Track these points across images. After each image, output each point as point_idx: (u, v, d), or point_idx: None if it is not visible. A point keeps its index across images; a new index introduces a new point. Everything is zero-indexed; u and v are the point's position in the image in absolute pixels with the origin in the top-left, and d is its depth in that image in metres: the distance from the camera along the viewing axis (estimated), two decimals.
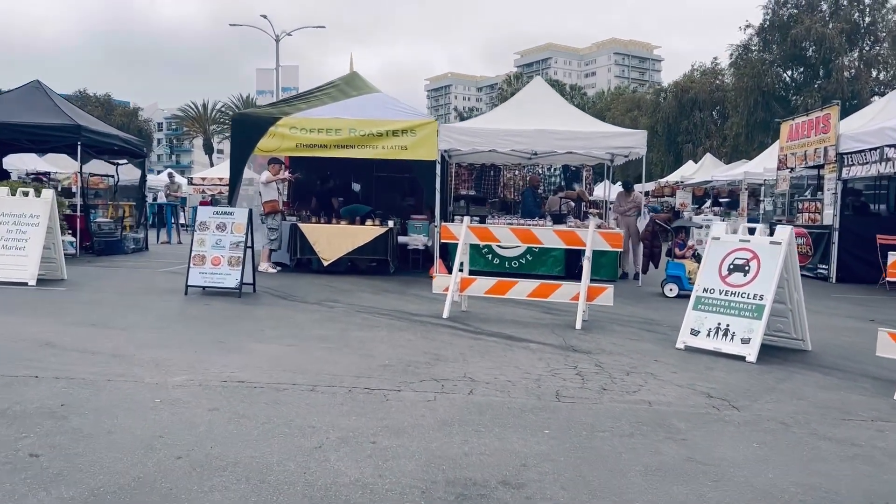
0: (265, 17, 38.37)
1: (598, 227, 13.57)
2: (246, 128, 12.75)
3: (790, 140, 16.66)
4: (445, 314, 8.47)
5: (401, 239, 13.70)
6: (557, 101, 13.65)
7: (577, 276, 13.56)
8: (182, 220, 22.83)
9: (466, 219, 8.73)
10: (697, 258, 11.24)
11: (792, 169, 16.54)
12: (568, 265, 13.25)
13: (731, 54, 36.94)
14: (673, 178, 33.10)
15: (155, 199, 25.21)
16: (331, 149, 12.79)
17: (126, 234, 16.86)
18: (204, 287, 9.63)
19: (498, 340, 7.27)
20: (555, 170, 19.54)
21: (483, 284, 8.68)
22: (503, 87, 77.97)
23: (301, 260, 13.15)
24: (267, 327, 7.55)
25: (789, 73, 35.70)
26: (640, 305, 10.22)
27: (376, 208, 14.59)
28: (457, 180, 18.39)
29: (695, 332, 7.06)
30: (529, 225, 11.34)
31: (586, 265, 8.39)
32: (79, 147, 14.52)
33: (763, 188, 22.57)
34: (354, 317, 8.36)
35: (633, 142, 12.52)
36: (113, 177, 18.01)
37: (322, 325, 7.79)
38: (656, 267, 11.46)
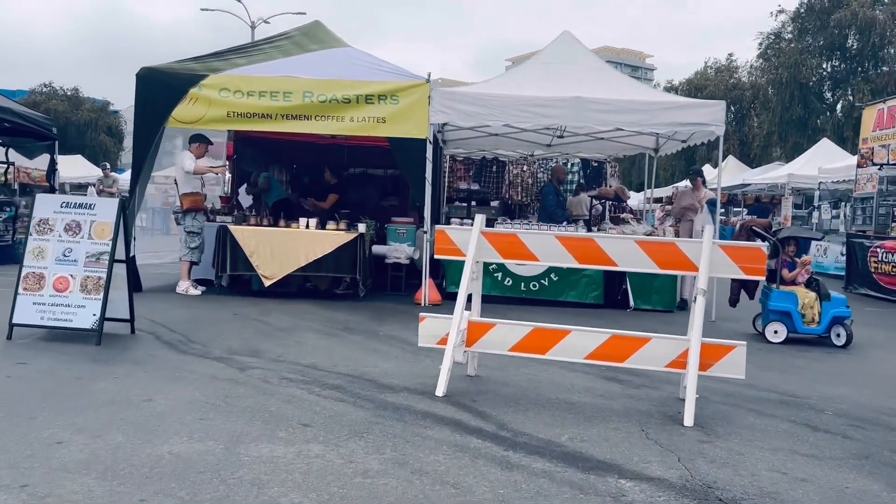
0: (240, 0, 34.59)
1: (649, 234, 9.86)
2: (155, 89, 8.91)
3: (879, 129, 13.02)
4: (441, 390, 4.70)
5: (377, 249, 9.90)
6: (595, 62, 9.95)
7: (619, 304, 9.66)
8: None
9: (480, 218, 4.98)
10: (814, 285, 7.52)
11: (881, 166, 12.90)
12: (608, 288, 9.51)
13: (761, 43, 33.31)
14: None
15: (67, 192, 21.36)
16: (276, 120, 8.99)
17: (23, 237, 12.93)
18: (41, 326, 5.79)
19: (553, 468, 3.49)
20: (572, 165, 15.85)
21: (505, 335, 4.91)
22: None
23: (239, 277, 9.33)
24: (81, 433, 3.74)
25: (829, 63, 32.04)
26: (751, 362, 6.44)
27: (345, 207, 10.79)
28: (450, 177, 14.65)
29: None
30: (578, 233, 7.59)
31: (699, 304, 4.61)
32: None
33: (818, 192, 18.93)
34: (272, 395, 4.55)
35: (707, 115, 8.79)
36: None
37: (200, 424, 3.98)
38: (751, 297, 7.83)
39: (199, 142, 9.32)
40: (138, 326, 6.51)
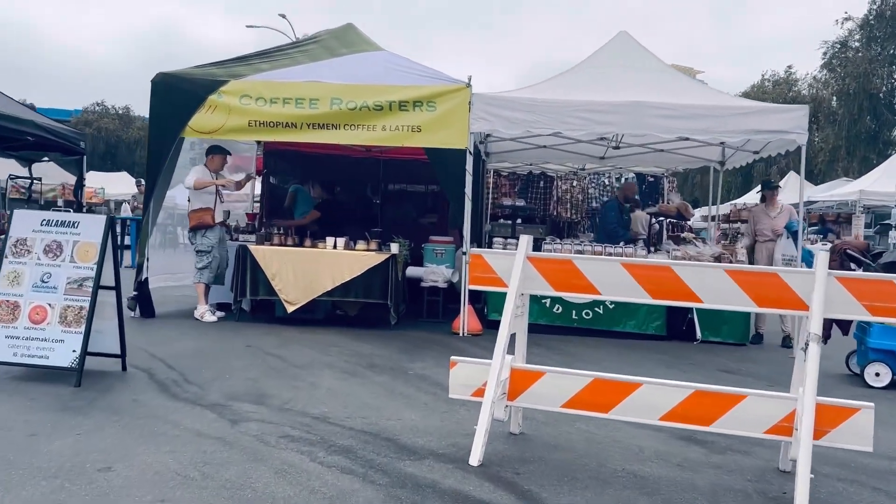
0: (283, 16, 34.39)
1: (717, 258, 8.75)
2: (172, 96, 8.17)
3: None
4: (476, 458, 3.72)
5: (413, 271, 8.99)
6: (656, 64, 8.91)
7: (684, 336, 8.34)
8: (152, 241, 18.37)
9: (525, 240, 4.01)
10: None
11: None
12: (671, 318, 8.40)
13: (825, 53, 31.59)
14: (752, 199, 27.98)
15: (112, 211, 20.99)
16: (302, 130, 8.15)
17: None
18: (13, 364, 4.98)
19: None
20: (625, 180, 14.74)
21: (558, 386, 3.90)
22: None
23: (262, 301, 8.49)
24: None
25: None
26: None
27: (380, 225, 9.90)
28: (494, 193, 13.69)
29: None
30: (651, 261, 6.57)
31: (811, 354, 3.54)
32: None
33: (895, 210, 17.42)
34: (264, 463, 3.62)
35: (787, 122, 7.67)
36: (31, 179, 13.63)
37: None
38: (844, 332, 6.68)
39: (215, 154, 8.54)
40: (134, 361, 5.69)
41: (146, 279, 8.35)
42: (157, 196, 8.47)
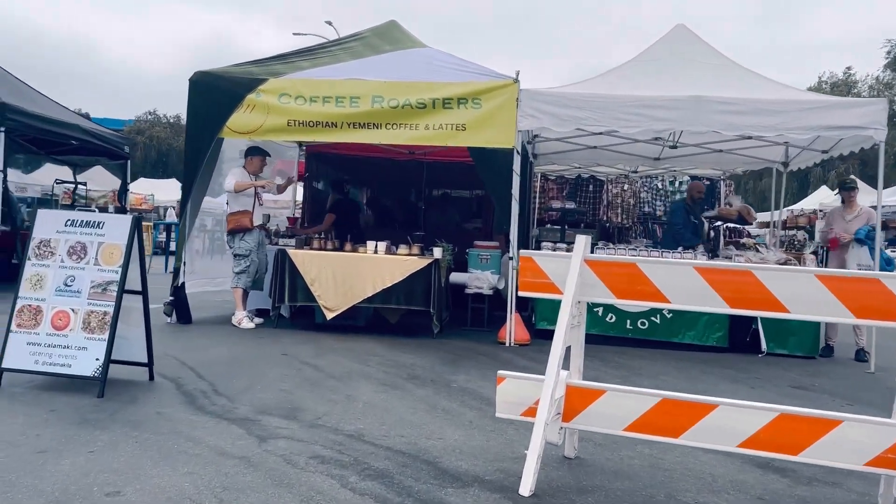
0: (330, 23, 34.40)
1: (784, 265, 8.13)
2: (210, 96, 7.93)
3: None
4: (528, 487, 3.28)
5: (457, 277, 8.58)
6: (717, 59, 8.34)
7: (747, 348, 7.68)
8: (197, 246, 18.36)
9: (583, 240, 3.56)
10: None
11: None
12: (734, 328, 7.83)
13: (889, 52, 30.17)
14: (808, 205, 26.89)
15: (161, 217, 21.08)
16: (342, 129, 7.84)
17: None
18: (34, 372, 4.72)
19: None
20: (679, 184, 14.14)
21: (620, 406, 3.45)
22: None
23: (300, 307, 8.18)
24: None
25: None
26: None
27: (418, 230, 9.53)
28: (541, 198, 13.23)
29: None
30: (728, 264, 6.07)
31: None
32: (1, 135, 10.09)
33: None
34: (290, 489, 3.24)
35: (862, 117, 7.05)
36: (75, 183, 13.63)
37: None
38: None
39: (254, 155, 8.27)
40: (163, 369, 5.40)
41: (183, 284, 8.11)
42: (195, 199, 8.23)
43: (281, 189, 8.91)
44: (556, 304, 3.60)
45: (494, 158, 7.85)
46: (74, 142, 11.84)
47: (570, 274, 3.54)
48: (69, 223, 4.86)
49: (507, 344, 7.45)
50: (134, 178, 40.90)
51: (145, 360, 5.07)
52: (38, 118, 10.71)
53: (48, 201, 18.80)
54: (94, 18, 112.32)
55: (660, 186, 13.96)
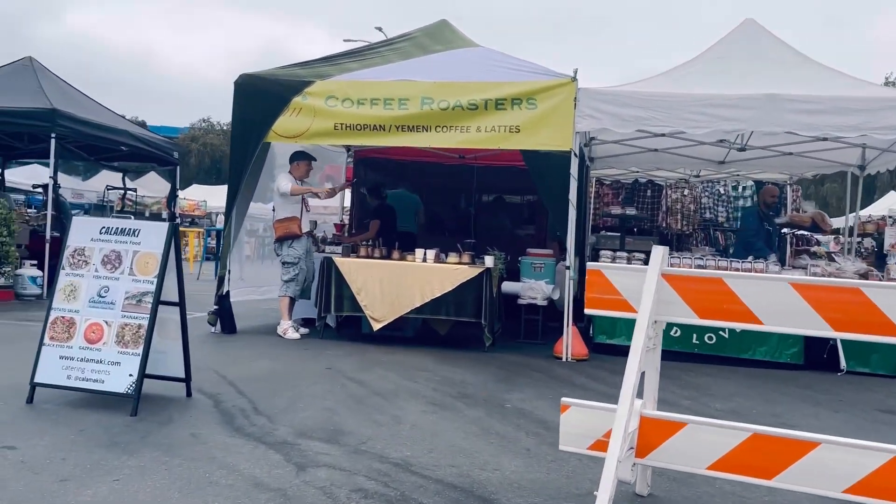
0: (380, 29, 34.37)
1: (864, 276, 7.52)
2: (255, 99, 7.71)
3: None
4: None
5: (509, 287, 8.18)
6: (790, 55, 7.78)
7: (824, 365, 7.07)
8: (248, 252, 18.33)
9: (659, 252, 3.15)
10: None
11: None
12: (809, 343, 7.25)
13: None
14: (877, 211, 25.68)
15: (214, 223, 21.15)
16: (390, 133, 7.53)
17: None
18: (68, 387, 4.49)
19: None
20: (743, 189, 13.47)
21: (703, 442, 3.02)
22: None
23: (346, 318, 7.89)
24: None
25: None
26: None
27: (467, 237, 9.15)
28: (595, 203, 12.73)
29: None
30: (832, 280, 5.58)
31: None
32: (52, 142, 10.08)
33: None
34: None
35: None
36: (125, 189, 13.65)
37: None
38: None
39: (300, 160, 8.02)
40: (202, 385, 5.14)
41: (227, 293, 7.90)
42: (240, 205, 8.02)
43: (332, 193, 8.60)
44: (615, 317, 3.18)
45: (549, 162, 7.42)
46: (124, 148, 11.81)
47: (646, 290, 3.12)
48: (104, 231, 4.63)
49: (564, 359, 7.01)
50: (188, 185, 41.57)
51: (182, 376, 4.81)
52: (87, 124, 10.68)
53: (103, 207, 19.06)
54: (155, 33, 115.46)
55: (722, 191, 13.30)
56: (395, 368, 6.23)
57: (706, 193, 13.29)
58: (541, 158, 7.53)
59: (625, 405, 3.02)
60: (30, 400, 4.47)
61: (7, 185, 16.10)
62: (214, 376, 5.51)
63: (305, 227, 7.91)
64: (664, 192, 12.88)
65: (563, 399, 3.30)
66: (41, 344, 4.53)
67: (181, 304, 4.72)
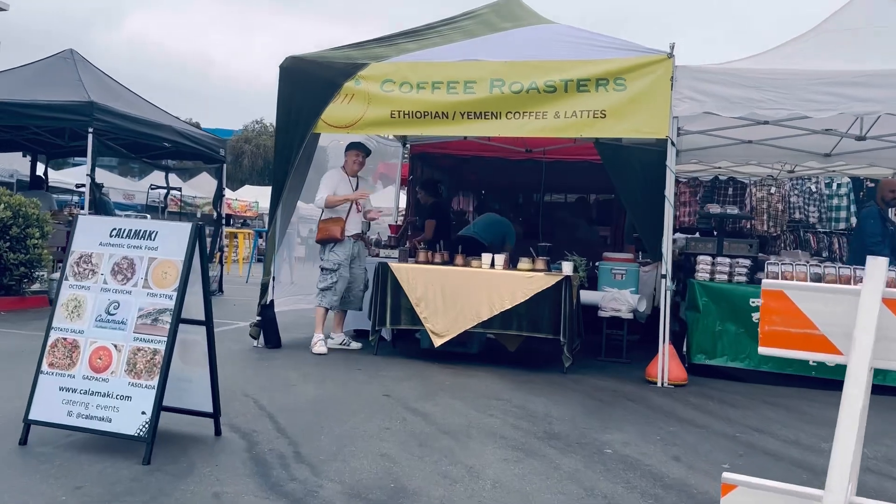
0: None
1: None
2: (303, 84, 6.85)
3: None
4: None
5: (588, 297, 7.13)
6: None
7: None
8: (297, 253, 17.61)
9: (881, 263, 2.16)
10: None
11: None
12: None
13: None
14: None
15: (265, 224, 20.50)
16: (455, 121, 6.57)
17: None
18: (66, 427, 3.64)
19: None
20: (838, 186, 12.17)
21: None
22: None
23: (401, 332, 6.98)
24: None
25: None
26: None
27: (535, 239, 8.15)
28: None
29: None
30: None
31: None
32: (89, 136, 9.43)
33: None
34: None
35: None
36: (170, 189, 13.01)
37: None
38: None
39: (356, 149, 7.13)
40: (235, 418, 4.27)
41: (271, 302, 7.05)
42: (286, 203, 7.18)
43: (369, 216, 7.42)
44: (718, 332, 2.15)
45: (628, 155, 6.46)
46: (167, 144, 11.15)
47: (862, 323, 2.09)
48: (115, 233, 3.78)
49: (659, 384, 5.96)
50: (240, 186, 41.30)
51: (210, 410, 3.93)
52: (127, 118, 10.01)
53: (155, 208, 18.60)
54: (212, 38, 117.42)
55: (814, 189, 12.03)
56: (462, 396, 5.27)
57: (795, 192, 12.04)
58: (619, 151, 6.55)
59: (838, 495, 2.00)
60: (23, 441, 3.64)
61: (54, 184, 15.72)
62: (251, 405, 4.64)
63: (355, 230, 7.01)
64: (748, 189, 11.67)
65: (726, 476, 2.29)
66: (38, 371, 3.70)
67: (208, 323, 3.85)
